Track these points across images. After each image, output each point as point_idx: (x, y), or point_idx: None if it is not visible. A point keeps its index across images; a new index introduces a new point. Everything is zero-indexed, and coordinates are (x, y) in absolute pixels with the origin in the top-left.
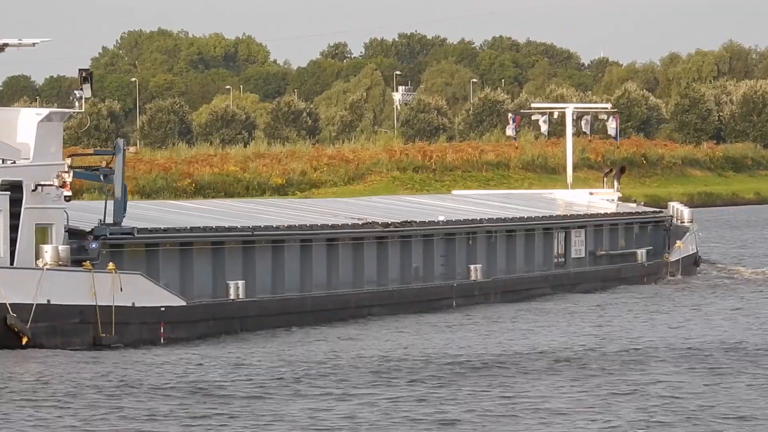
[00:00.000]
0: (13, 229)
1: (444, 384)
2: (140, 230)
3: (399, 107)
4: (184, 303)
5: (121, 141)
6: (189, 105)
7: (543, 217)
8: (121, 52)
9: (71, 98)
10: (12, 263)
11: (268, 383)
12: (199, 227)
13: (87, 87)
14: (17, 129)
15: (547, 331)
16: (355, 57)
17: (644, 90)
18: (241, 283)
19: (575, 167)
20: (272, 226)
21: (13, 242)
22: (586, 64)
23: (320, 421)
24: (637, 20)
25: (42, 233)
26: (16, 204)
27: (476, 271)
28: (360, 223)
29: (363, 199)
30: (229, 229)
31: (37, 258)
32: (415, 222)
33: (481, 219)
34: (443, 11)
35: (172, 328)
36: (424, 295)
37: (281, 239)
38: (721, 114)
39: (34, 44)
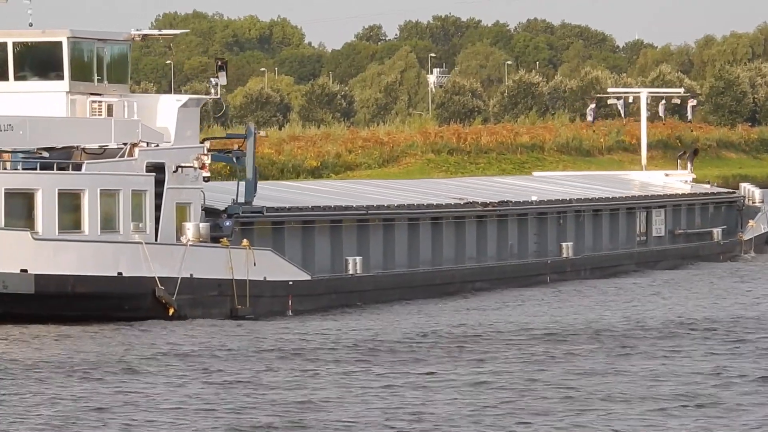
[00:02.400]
0: (156, 207)
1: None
2: (268, 209)
3: (433, 89)
4: (309, 277)
5: (252, 125)
6: (225, 88)
7: (626, 197)
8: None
9: (208, 85)
10: (156, 239)
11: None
12: (320, 206)
13: (222, 75)
14: (157, 114)
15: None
16: (389, 39)
17: (679, 72)
18: (358, 258)
19: (609, 150)
20: (384, 206)
21: (156, 220)
22: (621, 47)
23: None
24: (672, 2)
25: (181, 211)
26: (158, 184)
27: (567, 249)
28: (462, 203)
29: (460, 180)
30: (346, 208)
31: (178, 235)
32: (511, 202)
33: (570, 199)
34: None
35: (299, 301)
36: (521, 271)
37: (392, 218)
38: (756, 96)
39: (173, 36)
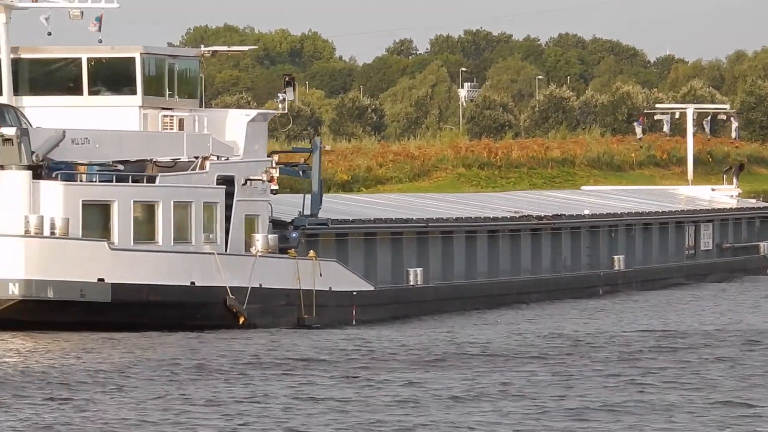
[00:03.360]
0: (226, 219)
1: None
2: (332, 221)
3: (464, 104)
4: (372, 288)
5: (318, 140)
6: (255, 101)
7: (675, 211)
8: (186, 47)
9: (275, 100)
10: (225, 250)
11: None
12: (382, 219)
13: (290, 90)
14: (226, 128)
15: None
16: (420, 53)
17: (710, 88)
18: (419, 270)
19: (640, 164)
20: (443, 219)
21: (226, 231)
22: (652, 62)
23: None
24: (703, 18)
25: (250, 223)
26: (228, 197)
27: (619, 262)
28: (517, 216)
29: (513, 194)
30: (407, 220)
31: (246, 246)
32: (565, 215)
33: (621, 213)
34: (509, 8)
35: (362, 311)
36: (574, 283)
37: (450, 230)
38: None
39: (243, 52)
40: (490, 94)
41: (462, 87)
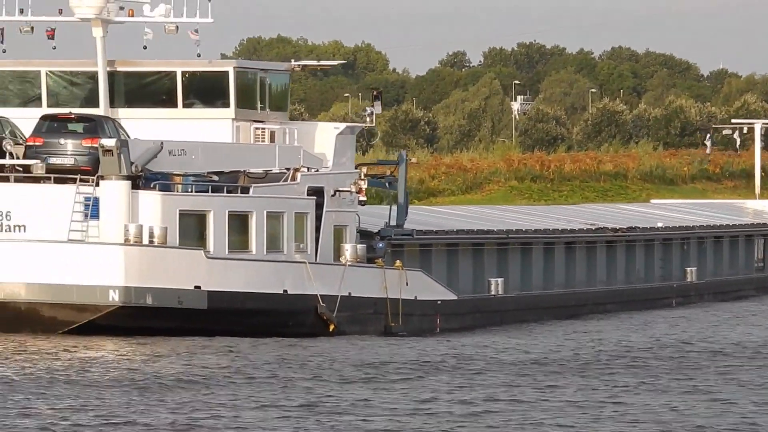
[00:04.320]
0: (315, 229)
1: None
2: (417, 232)
3: (517, 116)
4: (455, 297)
5: (404, 152)
6: (308, 112)
7: (745, 224)
8: (240, 59)
9: (363, 114)
10: (315, 259)
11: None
12: (464, 230)
13: (378, 104)
14: (315, 140)
15: None
16: (473, 66)
17: (763, 101)
18: (500, 280)
19: (693, 178)
20: (522, 230)
21: (315, 241)
22: (705, 75)
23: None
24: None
25: (338, 233)
26: (318, 207)
27: (691, 273)
28: (593, 228)
29: (587, 207)
30: (487, 232)
31: (336, 256)
32: (639, 228)
33: (693, 226)
34: (562, 21)
35: (446, 319)
36: (649, 294)
37: (529, 242)
38: None
39: (332, 66)
40: (542, 107)
41: (515, 100)
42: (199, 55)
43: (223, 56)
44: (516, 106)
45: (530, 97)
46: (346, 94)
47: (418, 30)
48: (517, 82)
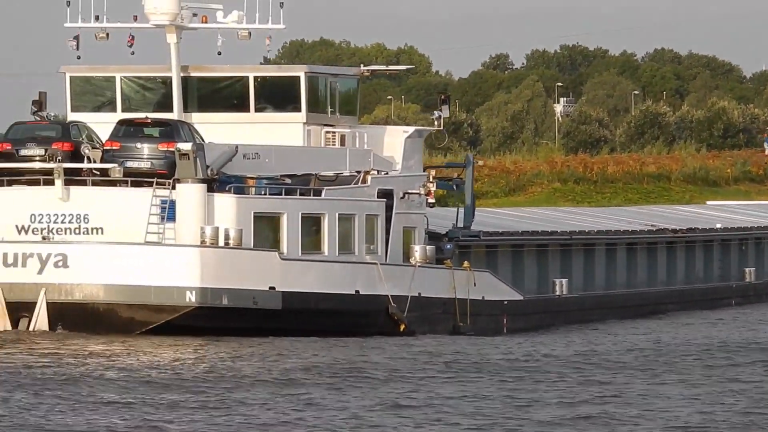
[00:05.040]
0: (385, 231)
1: None
2: (483, 234)
3: (560, 118)
4: (521, 297)
5: (470, 155)
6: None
7: None
8: (283, 61)
9: (432, 117)
10: (385, 260)
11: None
12: (528, 231)
13: (446, 108)
14: (383, 144)
15: None
16: (516, 68)
17: None
18: (564, 280)
19: (735, 180)
20: (585, 231)
21: (385, 242)
22: (748, 77)
23: None
24: None
25: (407, 235)
26: (387, 209)
27: (750, 274)
28: (654, 229)
29: (645, 208)
30: (551, 233)
31: (405, 257)
32: (698, 229)
33: (751, 227)
34: (605, 23)
35: (512, 320)
36: (708, 294)
37: (592, 243)
38: None
39: (399, 72)
40: (585, 109)
41: (558, 102)
42: (268, 60)
43: (266, 59)
44: (559, 108)
45: (573, 99)
46: (389, 97)
47: (460, 32)
48: (559, 84)
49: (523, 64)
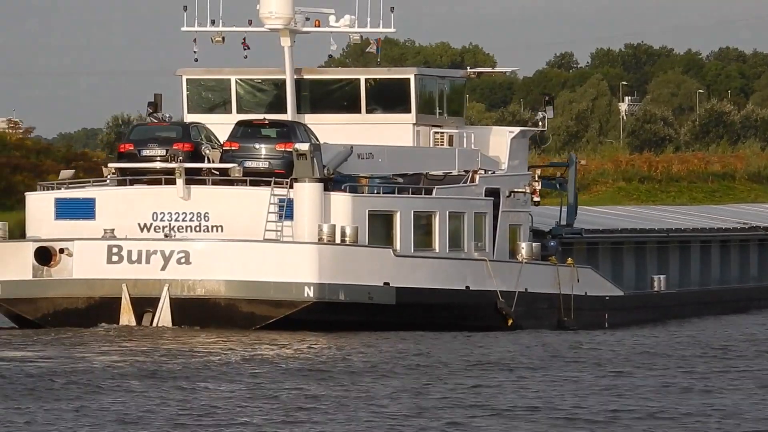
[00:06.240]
0: (492, 228)
1: None
2: (585, 231)
3: (625, 117)
4: (622, 293)
5: (573, 155)
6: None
7: None
8: (347, 60)
9: (536, 118)
10: (492, 257)
11: None
12: (627, 229)
13: (550, 108)
14: (489, 144)
15: None
16: (581, 67)
17: None
18: (662, 277)
19: None
20: (681, 229)
21: (492, 239)
22: None
23: None
24: None
25: (513, 232)
26: (494, 207)
27: None
28: (746, 227)
29: (736, 206)
30: (649, 231)
31: (511, 254)
32: None
33: None
34: (670, 22)
35: (613, 315)
36: None
37: (687, 240)
38: None
39: (506, 73)
40: (650, 108)
41: (622, 101)
42: (378, 63)
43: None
44: (623, 107)
45: (638, 97)
46: None
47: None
48: (624, 83)
49: (587, 62)
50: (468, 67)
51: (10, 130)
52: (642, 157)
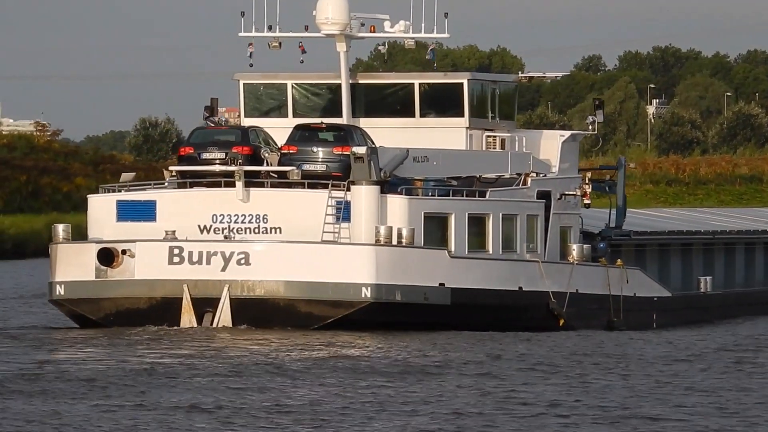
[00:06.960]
0: (544, 230)
1: None
2: (634, 233)
3: (652, 120)
4: (669, 294)
5: (622, 158)
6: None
7: None
8: (375, 63)
9: (586, 122)
10: (544, 258)
11: None
12: (674, 231)
13: (600, 113)
14: (540, 147)
15: None
16: (609, 70)
17: None
18: (708, 278)
19: None
20: (726, 231)
21: (544, 241)
22: None
23: None
24: None
25: (563, 234)
26: (545, 210)
27: None
28: None
29: None
30: (695, 233)
31: (561, 255)
32: None
33: None
34: (698, 24)
35: (661, 316)
36: None
37: (732, 242)
38: None
39: (557, 77)
40: (678, 111)
41: (650, 103)
42: (435, 68)
43: (359, 60)
44: (651, 109)
45: (665, 100)
46: None
47: (553, 34)
48: (652, 85)
49: (615, 65)
50: (519, 72)
51: (38, 133)
52: (669, 160)
